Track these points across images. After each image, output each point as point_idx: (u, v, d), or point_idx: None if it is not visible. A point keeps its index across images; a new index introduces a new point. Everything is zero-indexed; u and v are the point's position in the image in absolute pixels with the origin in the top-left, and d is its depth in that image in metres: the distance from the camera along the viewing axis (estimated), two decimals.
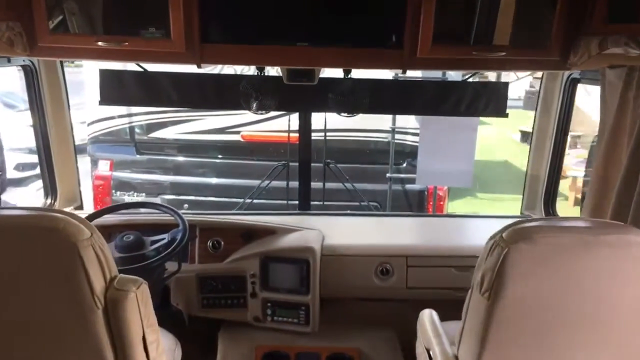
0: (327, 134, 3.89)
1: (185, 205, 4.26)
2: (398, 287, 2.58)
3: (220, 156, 4.57)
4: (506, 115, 2.78)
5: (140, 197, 4.33)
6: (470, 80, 2.89)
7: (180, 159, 4.57)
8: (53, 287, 1.46)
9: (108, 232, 2.58)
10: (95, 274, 1.45)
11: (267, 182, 3.79)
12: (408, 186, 4.28)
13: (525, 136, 13.98)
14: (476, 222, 3.00)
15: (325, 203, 3.75)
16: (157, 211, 2.50)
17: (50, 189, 2.97)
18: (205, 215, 2.76)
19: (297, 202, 3.22)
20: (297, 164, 3.16)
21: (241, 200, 4.03)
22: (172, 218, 2.42)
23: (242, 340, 2.64)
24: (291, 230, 2.65)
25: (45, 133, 2.88)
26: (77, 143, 3.10)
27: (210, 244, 2.58)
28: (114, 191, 4.32)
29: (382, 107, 2.90)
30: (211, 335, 2.71)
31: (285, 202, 3.77)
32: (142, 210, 2.61)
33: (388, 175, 4.24)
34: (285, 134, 3.89)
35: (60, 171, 2.98)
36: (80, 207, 3.15)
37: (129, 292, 1.49)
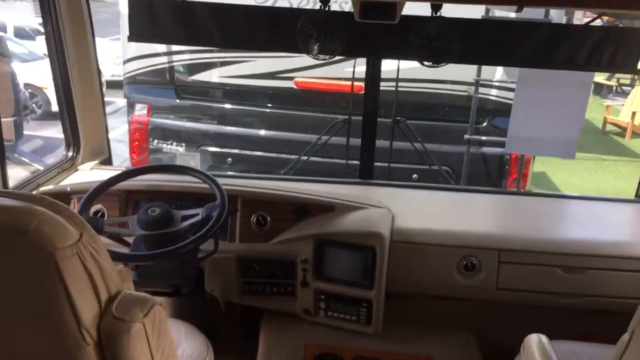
0: (394, 84, 3.27)
1: (229, 160, 3.79)
2: (485, 287, 2.06)
3: (270, 105, 4.00)
4: (638, 71, 2.16)
5: (179, 148, 3.88)
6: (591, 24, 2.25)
7: (225, 106, 4.02)
8: (23, 315, 1.01)
9: (134, 199, 2.14)
10: (82, 296, 0.99)
11: (324, 138, 3.25)
12: (485, 149, 3.65)
13: (598, 88, 12.83)
14: (585, 207, 2.40)
15: (391, 165, 3.18)
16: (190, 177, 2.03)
17: (73, 140, 2.54)
18: (249, 182, 2.27)
19: (357, 161, 2.70)
20: (359, 118, 2.62)
21: (291, 156, 3.53)
22: (208, 186, 1.94)
23: (289, 335, 2.19)
24: (354, 208, 2.14)
25: (64, 72, 2.43)
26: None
27: (255, 220, 2.10)
28: (151, 139, 3.89)
29: (476, 56, 2.30)
30: (251, 326, 2.28)
31: (343, 161, 3.23)
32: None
33: (467, 136, 3.61)
34: (346, 82, 3.32)
35: (84, 117, 2.53)
36: (108, 161, 2.72)
37: (133, 324, 1.02)
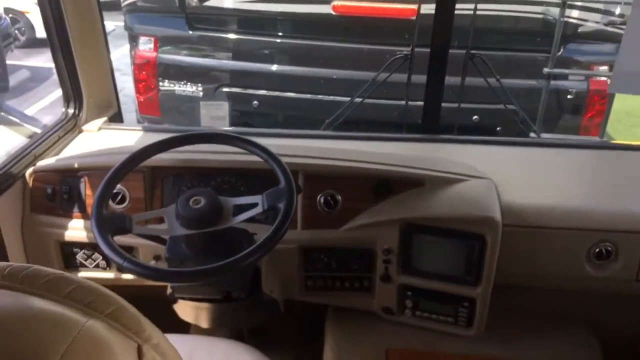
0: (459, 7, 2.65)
1: (255, 103, 3.22)
2: (622, 279, 1.61)
3: (301, 36, 3.29)
4: None
5: (194, 88, 3.29)
6: None
7: (248, 37, 3.34)
8: None
9: (161, 175, 1.64)
10: None
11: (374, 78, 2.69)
12: (557, 82, 3.07)
13: None
14: None
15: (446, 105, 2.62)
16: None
17: (73, 92, 2.00)
18: (288, 143, 1.77)
19: (420, 102, 2.18)
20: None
21: (328, 97, 2.99)
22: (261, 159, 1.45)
23: (365, 337, 1.76)
24: (450, 181, 1.64)
25: (57, 5, 1.85)
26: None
27: (322, 200, 1.62)
28: (160, 80, 3.29)
29: None
30: (314, 325, 1.85)
31: (402, 102, 2.69)
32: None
33: (547, 70, 3.03)
34: (400, 6, 2.71)
35: (84, 62, 1.98)
36: (118, 118, 2.19)
37: None
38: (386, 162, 1.66)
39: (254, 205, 1.38)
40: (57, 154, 1.83)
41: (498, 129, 3.13)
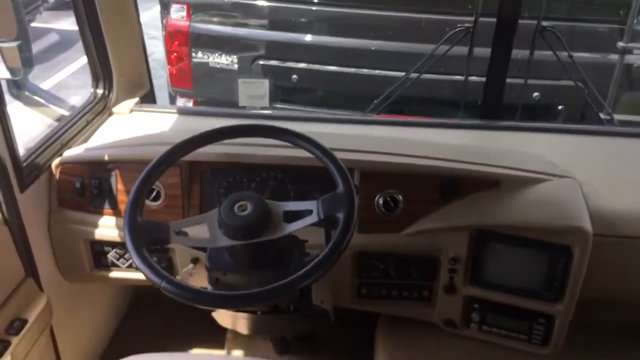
0: None
1: (294, 77, 2.99)
2: None
3: (347, 3, 2.98)
4: None
5: (229, 59, 3.07)
6: None
7: (286, 5, 3.04)
8: None
9: (199, 169, 1.47)
10: None
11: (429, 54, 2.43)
12: (632, 57, 2.76)
13: None
14: None
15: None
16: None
17: (102, 70, 1.82)
18: (330, 128, 1.57)
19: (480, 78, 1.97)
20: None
21: (378, 71, 2.74)
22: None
23: (420, 349, 1.59)
24: (528, 181, 1.43)
25: None
26: None
27: (381, 202, 1.42)
28: (193, 51, 3.08)
29: None
30: (364, 333, 1.69)
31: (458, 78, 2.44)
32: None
33: (621, 44, 2.72)
34: None
35: (114, 36, 1.80)
36: (150, 98, 2.02)
37: None
38: (455, 158, 1.45)
39: (308, 212, 1.19)
40: (86, 140, 1.67)
41: (560, 107, 2.86)
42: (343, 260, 1.46)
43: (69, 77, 5.75)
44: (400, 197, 1.42)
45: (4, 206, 1.33)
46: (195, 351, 1.89)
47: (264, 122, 1.39)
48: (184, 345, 1.93)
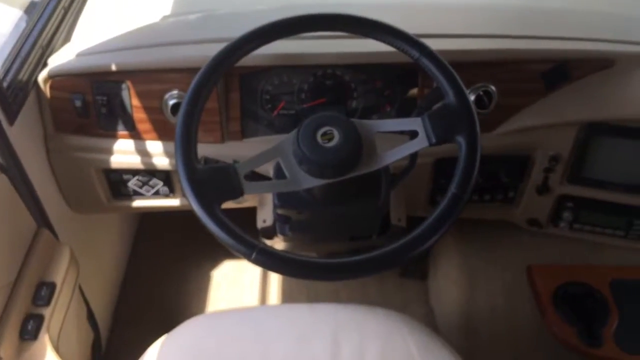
0: None
1: None
2: None
3: None
4: None
5: None
6: None
7: None
8: None
9: (237, 73, 1.14)
10: None
11: None
12: None
13: None
14: None
15: None
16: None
17: None
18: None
19: None
20: None
21: None
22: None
23: (498, 251, 1.44)
24: None
25: None
26: None
27: (472, 98, 1.15)
28: None
29: None
30: None
31: None
32: None
33: None
34: None
35: None
36: None
37: None
38: (560, 35, 1.16)
39: (412, 134, 0.92)
40: (68, 36, 1.27)
41: None
42: (423, 171, 1.23)
43: None
44: (494, 90, 1.15)
45: None
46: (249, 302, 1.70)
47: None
48: (202, 265, 1.75)
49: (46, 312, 1.03)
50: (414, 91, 1.16)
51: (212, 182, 0.84)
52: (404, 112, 1.18)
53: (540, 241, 1.42)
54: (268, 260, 0.80)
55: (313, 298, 1.68)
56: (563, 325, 1.28)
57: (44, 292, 1.05)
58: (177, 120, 0.88)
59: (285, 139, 0.91)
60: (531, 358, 1.39)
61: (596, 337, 1.26)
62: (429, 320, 1.58)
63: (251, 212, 1.26)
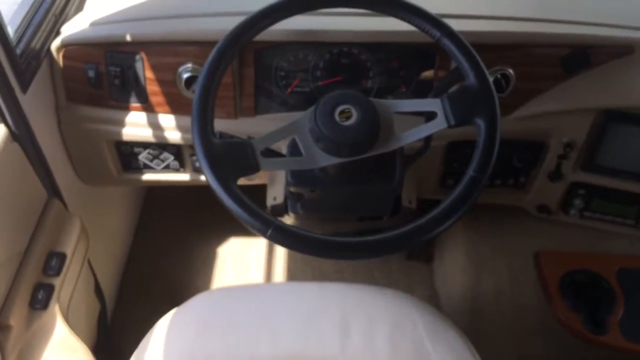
0: None
1: None
2: None
3: None
4: None
5: None
6: None
7: None
8: None
9: (252, 48, 1.12)
10: None
11: None
12: None
13: None
14: None
15: None
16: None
17: None
18: None
19: None
20: None
21: None
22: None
23: (506, 237, 1.44)
24: None
25: None
26: None
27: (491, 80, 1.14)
28: None
29: None
30: None
31: None
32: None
33: None
34: None
35: None
36: None
37: None
38: (580, 20, 1.14)
39: (430, 115, 0.91)
40: (81, 4, 1.26)
41: None
42: (435, 154, 1.23)
43: None
44: (512, 72, 1.13)
45: (9, 117, 0.99)
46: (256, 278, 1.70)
47: None
48: (208, 241, 1.76)
49: (56, 282, 1.03)
50: (430, 72, 1.15)
51: (229, 157, 0.84)
52: (420, 93, 1.17)
53: (547, 228, 1.42)
54: (284, 237, 0.80)
55: (318, 277, 1.68)
56: (568, 312, 1.28)
57: (55, 262, 1.05)
58: (195, 94, 0.88)
59: (302, 116, 0.90)
60: (535, 343, 1.40)
61: (601, 325, 1.26)
62: (433, 303, 1.59)
63: (258, 189, 1.26)
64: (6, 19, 1.00)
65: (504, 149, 1.19)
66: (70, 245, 1.09)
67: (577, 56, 1.12)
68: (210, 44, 0.92)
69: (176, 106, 1.16)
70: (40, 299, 1.00)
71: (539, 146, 1.24)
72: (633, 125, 1.16)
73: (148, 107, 1.17)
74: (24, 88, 1.03)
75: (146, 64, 1.12)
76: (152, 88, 1.15)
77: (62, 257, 1.06)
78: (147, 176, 1.32)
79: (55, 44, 1.12)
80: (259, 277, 1.69)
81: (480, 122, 0.87)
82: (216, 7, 1.14)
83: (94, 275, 1.31)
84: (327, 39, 1.10)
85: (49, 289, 1.02)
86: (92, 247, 1.21)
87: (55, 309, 1.00)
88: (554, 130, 1.19)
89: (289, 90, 1.16)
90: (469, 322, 1.44)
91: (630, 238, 1.38)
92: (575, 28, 1.13)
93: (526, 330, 1.40)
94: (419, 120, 0.94)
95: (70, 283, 1.08)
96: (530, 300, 1.40)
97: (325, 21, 1.09)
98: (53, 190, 1.14)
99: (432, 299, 1.61)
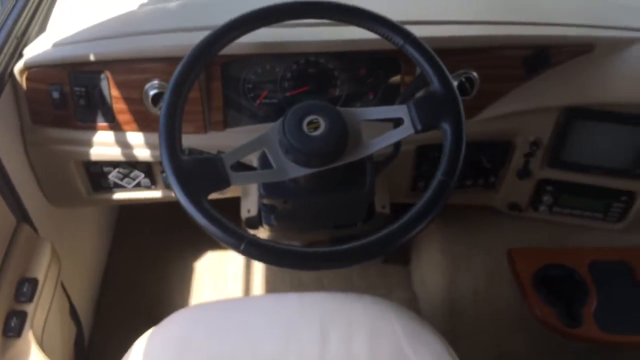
0: None
1: None
2: None
3: None
4: None
5: None
6: None
7: None
8: None
9: (219, 62, 1.12)
10: None
11: None
12: None
13: None
14: None
15: None
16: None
17: None
18: None
19: None
20: None
21: None
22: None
23: (479, 235, 1.46)
24: (629, 42, 1.18)
25: None
26: None
27: (455, 85, 1.15)
28: None
29: None
30: None
31: None
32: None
33: None
34: None
35: None
36: None
37: None
38: (541, 21, 1.17)
39: (397, 122, 0.92)
40: (42, 26, 1.24)
41: None
42: (405, 158, 1.24)
43: None
44: (476, 75, 1.15)
45: None
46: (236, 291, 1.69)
47: None
48: (184, 256, 1.74)
49: (29, 308, 1.01)
50: (397, 78, 1.17)
51: (198, 174, 0.84)
52: (387, 99, 1.18)
53: (521, 225, 1.45)
54: (257, 251, 0.80)
55: (297, 287, 1.68)
56: (543, 307, 1.30)
57: (26, 288, 1.03)
58: (161, 112, 0.87)
59: (270, 129, 0.90)
60: (513, 340, 1.42)
61: (576, 318, 1.29)
62: (412, 306, 1.60)
63: (233, 202, 1.25)
64: None
65: (472, 151, 1.21)
66: (42, 270, 1.07)
67: (538, 56, 1.15)
68: (177, 59, 0.91)
69: (144, 124, 1.15)
70: (13, 326, 0.98)
71: (506, 146, 1.26)
72: (595, 121, 1.19)
73: (115, 126, 1.16)
74: None
75: (111, 82, 1.11)
76: (119, 106, 1.14)
77: (34, 282, 1.04)
78: (118, 195, 1.31)
79: (18, 67, 1.10)
80: (237, 290, 1.68)
81: (446, 127, 0.88)
82: (181, 22, 1.14)
83: (69, 298, 1.29)
84: (293, 50, 1.11)
85: (22, 316, 1.00)
86: (65, 269, 1.19)
87: (29, 336, 0.98)
88: (520, 130, 1.22)
89: (258, 102, 1.17)
90: (448, 323, 1.46)
91: (600, 231, 1.41)
92: (536, 29, 1.15)
93: (505, 327, 1.42)
94: (388, 126, 0.95)
95: (43, 308, 1.06)
96: (506, 297, 1.42)
97: (290, 32, 1.09)
98: (22, 215, 1.12)
99: (411, 302, 1.62)
